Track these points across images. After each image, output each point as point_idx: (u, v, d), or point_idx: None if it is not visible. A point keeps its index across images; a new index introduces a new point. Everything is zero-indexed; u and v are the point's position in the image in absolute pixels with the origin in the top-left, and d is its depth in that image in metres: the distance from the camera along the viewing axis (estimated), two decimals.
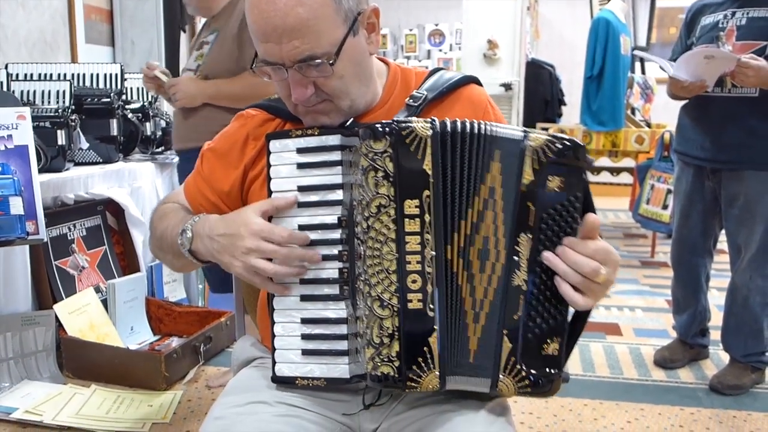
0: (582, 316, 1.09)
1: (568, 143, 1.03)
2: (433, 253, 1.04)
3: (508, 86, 5.16)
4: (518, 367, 1.05)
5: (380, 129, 1.04)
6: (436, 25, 7.13)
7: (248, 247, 1.08)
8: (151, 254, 3.28)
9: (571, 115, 6.15)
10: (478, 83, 1.32)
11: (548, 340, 1.05)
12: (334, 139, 1.13)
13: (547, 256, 1.02)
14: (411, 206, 1.04)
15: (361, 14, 1.13)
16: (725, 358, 2.81)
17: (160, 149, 3.51)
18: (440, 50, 7.12)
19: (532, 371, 1.05)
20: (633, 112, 5.40)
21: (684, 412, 2.52)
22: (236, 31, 2.45)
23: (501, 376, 1.06)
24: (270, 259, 1.10)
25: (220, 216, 1.17)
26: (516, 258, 1.04)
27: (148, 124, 3.44)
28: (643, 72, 5.81)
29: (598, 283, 1.01)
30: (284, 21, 1.06)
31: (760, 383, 2.72)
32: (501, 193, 1.05)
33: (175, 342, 2.92)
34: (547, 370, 1.05)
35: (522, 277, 1.04)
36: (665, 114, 4.88)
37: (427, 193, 1.04)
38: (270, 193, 1.15)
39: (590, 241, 1.02)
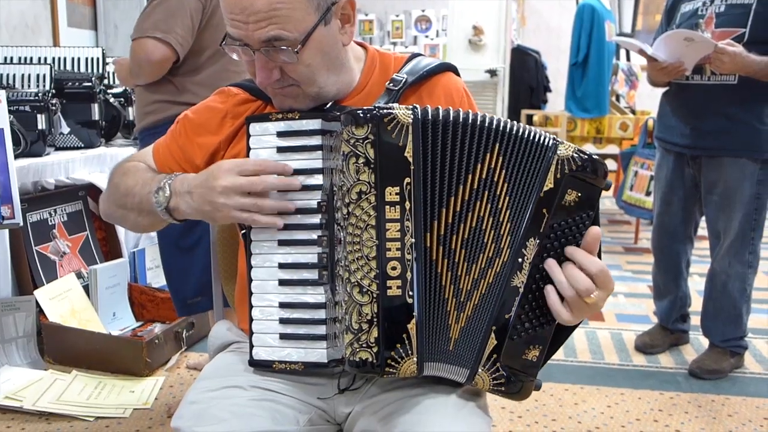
0: (567, 328, 1.10)
1: (592, 161, 1.04)
2: (413, 240, 1.04)
3: (493, 72, 5.15)
4: (498, 365, 1.07)
5: (362, 115, 1.04)
6: (423, 11, 7.10)
7: (223, 185, 1.08)
8: (133, 238, 3.29)
9: (557, 102, 6.16)
10: (456, 72, 1.33)
11: (531, 346, 1.07)
12: (314, 124, 1.13)
13: (549, 263, 1.04)
14: (392, 193, 1.03)
15: (336, 5, 1.13)
16: (705, 343, 2.84)
17: None
18: (427, 36, 7.10)
19: (510, 372, 1.07)
20: (618, 99, 5.41)
21: (663, 396, 2.54)
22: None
23: (480, 369, 1.07)
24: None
25: (195, 174, 1.17)
26: (520, 260, 1.05)
27: (130, 108, 3.41)
28: (628, 59, 5.82)
29: (586, 302, 1.02)
30: (253, 3, 1.05)
31: (738, 368, 2.75)
32: (506, 188, 1.05)
33: (157, 328, 2.91)
34: (524, 374, 1.07)
35: (521, 279, 1.05)
36: (650, 101, 4.89)
37: (407, 180, 1.03)
38: None
39: (595, 261, 1.03)
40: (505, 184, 1.06)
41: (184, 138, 1.29)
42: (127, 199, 1.23)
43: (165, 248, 2.46)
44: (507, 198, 1.06)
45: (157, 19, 2.27)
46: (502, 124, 1.06)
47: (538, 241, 1.04)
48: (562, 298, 1.03)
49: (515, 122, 1.07)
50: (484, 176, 1.06)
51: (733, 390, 2.60)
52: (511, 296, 1.05)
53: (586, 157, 1.04)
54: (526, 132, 1.06)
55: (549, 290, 1.04)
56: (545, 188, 1.03)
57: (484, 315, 1.07)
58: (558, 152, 1.04)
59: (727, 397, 2.53)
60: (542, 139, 1.05)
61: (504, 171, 1.05)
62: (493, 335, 1.06)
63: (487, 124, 1.06)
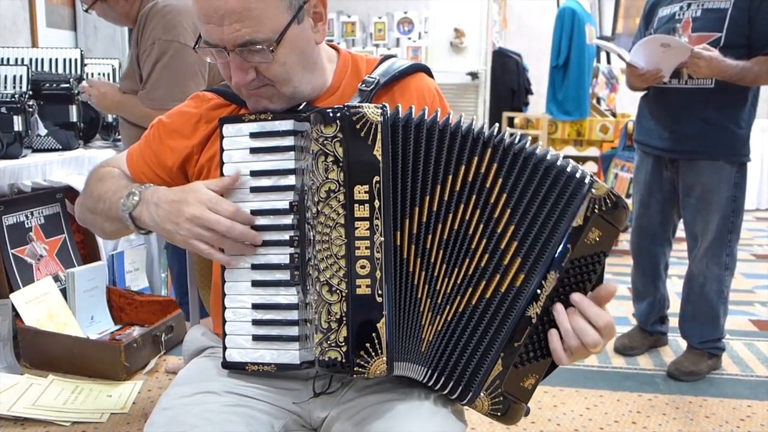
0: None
1: (620, 203, 1.04)
2: (382, 239, 1.03)
3: (474, 75, 5.16)
4: (499, 390, 1.07)
5: (331, 114, 1.04)
6: (405, 13, 7.10)
7: (193, 213, 1.08)
8: (111, 241, 3.26)
9: (539, 104, 6.18)
10: (428, 72, 1.33)
11: (530, 375, 1.07)
12: (287, 125, 1.13)
13: (558, 309, 1.04)
14: (360, 191, 1.03)
15: (308, 2, 1.13)
16: (684, 344, 2.85)
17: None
18: (409, 38, 7.09)
19: (507, 398, 1.07)
20: (598, 102, 5.44)
21: (642, 398, 2.55)
22: (133, 50, 2.43)
23: (482, 393, 1.07)
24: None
25: (170, 188, 1.16)
26: (539, 291, 1.04)
27: None
28: (608, 62, 5.86)
29: (588, 350, 1.03)
30: (226, 3, 1.05)
31: (716, 369, 2.77)
32: (505, 200, 1.05)
33: (136, 331, 2.89)
34: (518, 401, 1.08)
35: (535, 310, 1.05)
36: (630, 103, 4.92)
37: (377, 178, 1.03)
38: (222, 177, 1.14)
39: (601, 312, 1.04)
40: (504, 195, 1.05)
41: (157, 142, 1.29)
42: (98, 204, 1.23)
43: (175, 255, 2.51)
44: (508, 210, 1.05)
45: (170, 87, 2.29)
46: (489, 132, 1.06)
47: (557, 275, 1.04)
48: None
49: (546, 149, 1.06)
50: (470, 180, 1.05)
51: (710, 391, 2.61)
52: (524, 326, 1.05)
53: (615, 199, 1.04)
54: (566, 165, 1.05)
55: (552, 334, 1.04)
56: (576, 224, 1.03)
57: (475, 329, 1.06)
58: (593, 190, 1.03)
59: (705, 399, 2.55)
60: (578, 173, 1.04)
61: (501, 180, 1.05)
62: (500, 362, 1.06)
63: (474, 131, 1.06)
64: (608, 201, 1.04)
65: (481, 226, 1.06)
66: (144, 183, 1.25)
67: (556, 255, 1.04)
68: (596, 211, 1.03)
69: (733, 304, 2.93)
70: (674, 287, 3.29)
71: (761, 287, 4.02)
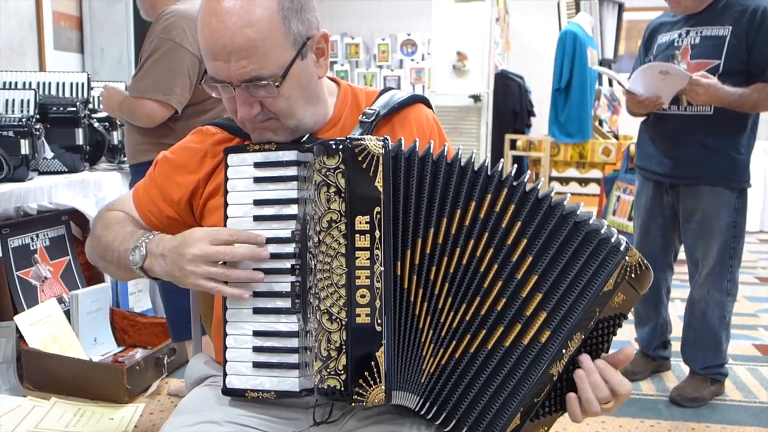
0: None
1: (648, 271, 1.05)
2: (383, 268, 1.05)
3: (477, 98, 5.20)
4: None
5: (333, 146, 1.07)
6: (408, 34, 7.17)
7: (194, 253, 1.09)
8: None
9: (541, 126, 6.21)
10: (427, 103, 1.36)
11: (541, 427, 1.08)
12: (290, 155, 1.15)
13: (579, 375, 1.05)
14: (362, 222, 1.05)
15: (311, 39, 1.15)
16: (687, 369, 2.84)
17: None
18: (412, 59, 7.16)
19: None
20: (600, 124, 5.47)
21: (644, 424, 2.55)
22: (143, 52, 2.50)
23: None
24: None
25: (173, 236, 1.17)
26: (563, 351, 1.04)
27: (115, 133, 3.42)
28: (610, 84, 5.89)
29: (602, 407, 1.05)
30: (233, 41, 1.07)
31: (719, 395, 2.75)
32: (526, 246, 1.05)
33: (139, 353, 2.90)
34: None
35: (558, 368, 1.05)
36: (632, 125, 4.93)
37: (377, 209, 1.05)
38: (226, 205, 1.16)
39: (617, 374, 1.05)
40: (523, 240, 1.05)
41: (163, 178, 1.30)
42: (107, 253, 1.25)
43: None
44: (529, 258, 1.05)
45: (156, 78, 2.37)
46: (508, 172, 1.07)
47: (582, 336, 1.05)
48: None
49: (577, 204, 1.07)
50: (481, 217, 1.06)
51: (713, 418, 2.60)
52: (545, 383, 1.05)
53: (644, 266, 1.05)
54: (601, 227, 1.05)
55: (571, 399, 1.05)
56: (606, 289, 1.03)
57: (493, 377, 1.06)
58: (626, 257, 1.03)
59: (708, 425, 2.54)
60: (613, 237, 1.04)
61: (520, 224, 1.05)
62: (519, 415, 1.06)
63: (488, 169, 1.07)
64: (637, 269, 1.04)
65: (496, 266, 1.06)
66: (151, 220, 1.28)
67: (585, 316, 1.04)
68: (626, 277, 1.04)
69: (736, 328, 2.92)
70: (677, 310, 3.28)
71: (765, 311, 4.00)
